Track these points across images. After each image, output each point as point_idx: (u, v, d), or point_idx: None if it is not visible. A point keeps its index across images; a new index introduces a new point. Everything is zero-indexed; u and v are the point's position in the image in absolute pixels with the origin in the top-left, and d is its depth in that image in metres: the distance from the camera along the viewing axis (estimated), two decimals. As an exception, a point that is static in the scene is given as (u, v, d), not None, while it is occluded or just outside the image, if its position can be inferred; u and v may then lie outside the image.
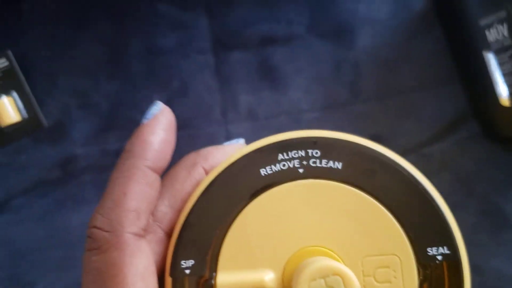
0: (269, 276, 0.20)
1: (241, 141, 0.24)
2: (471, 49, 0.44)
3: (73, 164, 0.50)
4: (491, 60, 0.42)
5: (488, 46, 0.42)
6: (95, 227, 0.19)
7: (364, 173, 0.20)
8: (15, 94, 0.50)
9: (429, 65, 0.49)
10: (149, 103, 0.22)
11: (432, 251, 0.19)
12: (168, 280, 0.20)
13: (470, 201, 0.45)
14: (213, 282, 0.20)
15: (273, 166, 0.20)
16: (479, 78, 0.44)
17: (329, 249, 0.20)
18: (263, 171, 0.20)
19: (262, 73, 0.51)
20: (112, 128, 0.50)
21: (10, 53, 0.50)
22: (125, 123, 0.50)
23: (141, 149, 0.20)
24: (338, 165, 0.20)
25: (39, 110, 0.50)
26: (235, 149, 0.22)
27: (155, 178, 0.20)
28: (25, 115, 0.50)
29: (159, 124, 0.21)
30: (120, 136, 0.50)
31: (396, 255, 0.19)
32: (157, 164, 0.21)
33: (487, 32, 0.42)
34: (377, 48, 0.50)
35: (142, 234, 0.20)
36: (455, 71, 0.48)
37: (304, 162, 0.20)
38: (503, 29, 0.40)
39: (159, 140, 0.21)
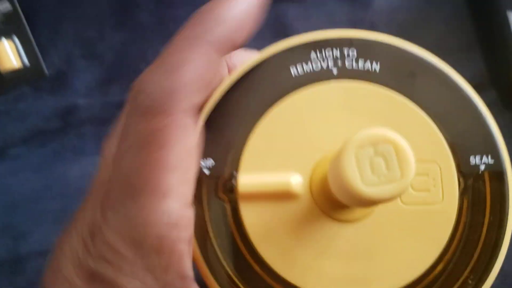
0: (295, 179, 0.18)
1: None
2: (494, 9, 0.42)
3: (74, 115, 0.48)
4: (515, 21, 0.41)
5: (512, 5, 0.41)
6: (143, 91, 0.16)
7: (404, 76, 0.18)
8: (16, 39, 0.48)
9: (448, 31, 0.47)
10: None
11: (475, 160, 0.18)
12: None
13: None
14: (234, 182, 0.18)
15: (304, 66, 0.19)
16: (500, 42, 0.42)
17: None
18: (293, 71, 0.19)
19: (274, 30, 0.49)
20: (116, 80, 0.49)
21: (13, -5, 0.48)
22: (130, 75, 0.48)
23: (210, 24, 0.17)
24: (376, 66, 0.18)
25: (40, 58, 0.48)
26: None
27: (219, 62, 0.18)
28: (26, 62, 0.48)
29: None
30: (124, 88, 0.48)
31: (436, 162, 0.18)
32: (227, 44, 0.17)
33: (512, -10, 0.41)
34: (395, 10, 0.48)
35: (195, 112, 0.17)
36: (474, 37, 0.46)
37: (339, 63, 0.19)
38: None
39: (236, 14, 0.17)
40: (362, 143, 0.14)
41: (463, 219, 0.18)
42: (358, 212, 0.18)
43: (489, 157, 0.18)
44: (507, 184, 0.18)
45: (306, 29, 0.50)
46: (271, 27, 0.49)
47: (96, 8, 0.49)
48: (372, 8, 0.48)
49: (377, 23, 0.48)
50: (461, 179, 0.18)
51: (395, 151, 0.14)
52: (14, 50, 0.48)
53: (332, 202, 0.18)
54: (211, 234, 0.18)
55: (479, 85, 0.46)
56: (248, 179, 0.18)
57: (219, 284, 0.18)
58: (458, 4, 0.47)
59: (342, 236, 0.18)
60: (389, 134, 0.14)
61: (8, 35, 0.48)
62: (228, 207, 0.18)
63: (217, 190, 0.18)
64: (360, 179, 0.14)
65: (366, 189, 0.14)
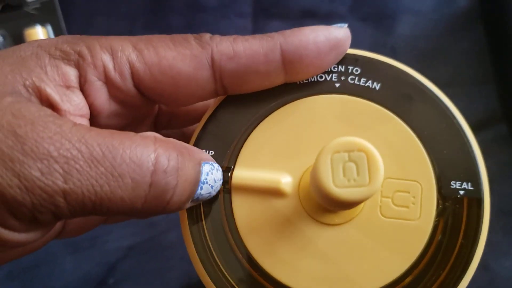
0: (286, 179, 0.19)
1: (345, 25, 0.20)
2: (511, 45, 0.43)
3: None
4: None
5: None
6: None
7: (400, 98, 0.20)
8: (50, 28, 0.50)
9: (465, 63, 0.48)
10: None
11: (455, 184, 0.19)
12: None
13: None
14: (229, 174, 0.20)
15: (307, 78, 0.20)
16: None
17: None
18: (298, 81, 0.20)
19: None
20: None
21: (52, -15, 0.50)
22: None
23: None
24: (376, 85, 0.20)
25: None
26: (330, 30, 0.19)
27: None
28: (57, 48, 0.50)
29: None
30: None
31: (418, 182, 0.19)
32: None
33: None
34: (416, 38, 0.50)
35: None
36: (490, 71, 0.47)
37: (342, 78, 0.20)
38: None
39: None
40: (338, 148, 0.15)
41: (436, 237, 0.19)
42: (340, 217, 0.19)
43: (469, 184, 0.19)
44: (483, 212, 0.19)
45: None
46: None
47: (130, 6, 0.51)
48: (394, 34, 0.50)
49: (398, 49, 0.50)
50: (440, 200, 0.19)
51: (367, 159, 0.15)
52: (47, 37, 0.50)
53: (317, 204, 0.19)
54: (203, 218, 0.20)
55: (490, 118, 0.47)
56: (242, 173, 0.20)
57: (202, 262, 0.19)
58: (478, 38, 0.48)
59: (322, 237, 0.19)
60: (364, 143, 0.15)
61: (42, 23, 0.50)
62: (221, 197, 0.20)
63: None
64: (332, 180, 0.15)
65: (336, 190, 0.15)
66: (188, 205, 0.18)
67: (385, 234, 0.19)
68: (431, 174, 0.19)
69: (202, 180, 0.18)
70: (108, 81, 0.19)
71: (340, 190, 0.15)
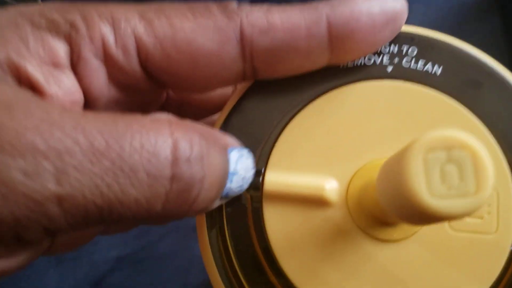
0: (331, 185, 0.16)
1: None
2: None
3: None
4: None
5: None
6: None
7: (467, 84, 0.16)
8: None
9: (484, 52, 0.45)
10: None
11: None
12: None
13: None
14: (260, 179, 0.16)
15: (355, 59, 0.16)
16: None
17: None
18: (342, 63, 0.16)
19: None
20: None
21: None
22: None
23: None
24: (437, 69, 0.16)
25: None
26: None
27: None
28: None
29: None
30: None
31: (493, 187, 0.15)
32: None
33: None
34: (426, 27, 0.46)
35: None
36: (506, 65, 0.44)
37: (396, 60, 0.16)
38: None
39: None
40: (433, 145, 0.11)
41: None
42: (400, 231, 0.15)
43: None
44: None
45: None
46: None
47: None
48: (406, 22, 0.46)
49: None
50: None
51: (472, 159, 0.11)
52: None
53: (371, 216, 0.15)
54: (227, 236, 0.16)
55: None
56: (276, 177, 0.16)
57: None
58: (493, 30, 0.45)
59: (378, 256, 0.15)
60: (468, 138, 0.12)
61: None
62: (249, 207, 0.16)
63: None
64: (427, 189, 0.11)
65: (433, 202, 0.11)
66: (217, 203, 0.15)
67: (455, 252, 0.15)
68: (508, 178, 0.16)
69: (231, 170, 0.14)
70: (107, 59, 0.15)
71: (438, 202, 0.11)
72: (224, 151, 0.14)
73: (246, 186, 0.15)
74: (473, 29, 0.45)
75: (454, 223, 0.15)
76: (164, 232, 0.42)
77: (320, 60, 0.15)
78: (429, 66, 0.16)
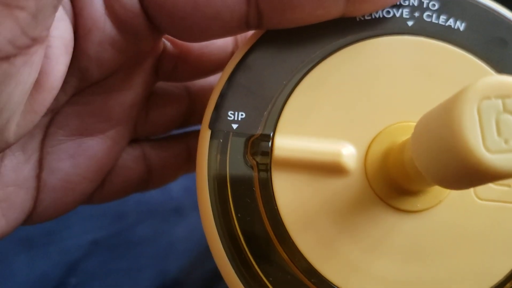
0: (348, 150, 0.14)
1: None
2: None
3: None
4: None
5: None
6: None
7: (492, 42, 0.15)
8: None
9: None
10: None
11: None
12: (206, 134, 0.14)
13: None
14: (268, 144, 0.14)
15: (374, 10, 0.15)
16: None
17: None
18: (358, 16, 0.15)
19: None
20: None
21: None
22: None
23: None
24: (460, 25, 0.15)
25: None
26: None
27: None
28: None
29: None
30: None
31: None
32: None
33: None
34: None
35: None
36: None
37: (416, 14, 0.15)
38: None
39: None
40: (488, 93, 0.10)
41: None
42: (423, 201, 0.14)
43: None
44: None
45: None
46: None
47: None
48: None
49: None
50: None
51: None
52: None
53: (393, 185, 0.14)
54: (232, 207, 0.14)
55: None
56: (287, 142, 0.14)
57: (237, 273, 0.14)
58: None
59: (400, 229, 0.14)
60: None
61: None
62: (256, 175, 0.14)
63: (245, 151, 0.14)
64: (482, 143, 0.10)
65: (490, 157, 0.10)
66: None
67: (482, 222, 0.14)
68: None
69: None
70: None
71: (495, 157, 0.10)
72: None
73: None
74: None
75: (481, 192, 0.14)
76: (141, 216, 0.40)
77: (335, 8, 0.14)
78: (451, 21, 0.15)
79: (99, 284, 0.37)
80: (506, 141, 0.10)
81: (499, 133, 0.10)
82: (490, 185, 0.14)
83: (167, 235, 0.38)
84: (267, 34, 0.15)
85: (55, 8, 0.11)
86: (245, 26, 0.14)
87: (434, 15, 0.15)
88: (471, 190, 0.14)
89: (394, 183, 0.14)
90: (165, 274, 0.37)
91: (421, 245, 0.14)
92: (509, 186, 0.14)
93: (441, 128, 0.10)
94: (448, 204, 0.14)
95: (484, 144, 0.10)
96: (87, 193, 0.18)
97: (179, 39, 0.15)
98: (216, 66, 0.18)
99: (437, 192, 0.14)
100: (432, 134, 0.11)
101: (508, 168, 0.10)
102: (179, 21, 0.14)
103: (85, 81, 0.15)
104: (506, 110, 0.10)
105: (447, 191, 0.14)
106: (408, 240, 0.14)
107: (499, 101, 0.10)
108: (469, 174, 0.10)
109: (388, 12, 0.15)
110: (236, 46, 0.18)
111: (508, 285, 0.14)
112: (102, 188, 0.19)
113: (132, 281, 0.37)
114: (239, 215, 0.14)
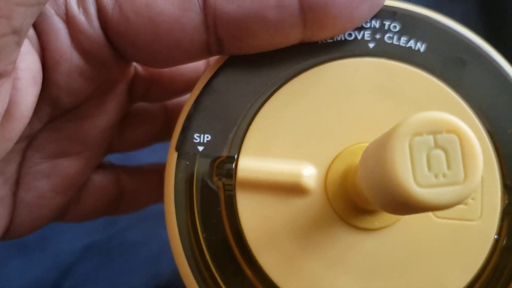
0: (308, 171, 0.15)
1: None
2: (508, 15, 0.40)
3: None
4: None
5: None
6: None
7: (451, 62, 0.15)
8: None
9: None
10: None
11: None
12: (173, 156, 0.15)
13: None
14: (233, 166, 0.15)
15: (332, 36, 0.15)
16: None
17: None
18: (320, 40, 0.15)
19: None
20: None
21: None
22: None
23: None
24: (421, 46, 0.15)
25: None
26: None
27: None
28: None
29: None
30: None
31: None
32: None
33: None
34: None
35: None
36: (486, 40, 0.44)
37: (377, 36, 0.15)
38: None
39: None
40: (419, 129, 0.10)
41: (502, 242, 0.15)
42: (381, 220, 0.14)
43: None
44: None
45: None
46: None
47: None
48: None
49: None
50: (505, 195, 0.15)
51: (460, 144, 0.10)
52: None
53: (351, 204, 0.14)
54: (198, 227, 0.14)
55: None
56: (250, 163, 0.15)
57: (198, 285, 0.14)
58: (469, 11, 0.45)
59: (360, 246, 0.14)
60: (456, 121, 0.11)
61: None
62: (222, 196, 0.15)
63: (211, 173, 0.15)
64: (413, 177, 0.10)
65: (419, 191, 0.10)
66: None
67: (439, 239, 0.14)
68: (493, 161, 0.15)
69: None
70: (69, 19, 0.14)
71: (424, 191, 0.10)
72: None
73: None
74: (449, 10, 0.45)
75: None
76: (133, 220, 0.40)
77: (293, 35, 0.14)
78: (412, 43, 0.15)
79: (93, 287, 0.37)
80: (436, 176, 0.10)
81: (429, 168, 0.10)
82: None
83: (159, 238, 0.39)
84: (232, 58, 0.15)
85: (18, 44, 0.12)
86: (207, 52, 0.15)
87: (395, 37, 0.15)
88: None
89: (352, 203, 0.14)
90: (158, 277, 0.38)
91: (380, 262, 0.14)
92: (465, 204, 0.15)
93: (377, 162, 0.11)
94: (406, 222, 0.15)
95: (415, 179, 0.10)
96: (60, 208, 0.18)
97: (146, 65, 0.16)
98: (188, 86, 0.19)
99: None
100: (372, 165, 0.11)
101: (438, 201, 0.10)
102: (142, 50, 0.14)
103: (58, 109, 0.16)
104: (437, 145, 0.10)
105: None
106: (367, 258, 0.14)
107: (431, 137, 0.10)
108: (403, 205, 0.11)
109: (350, 35, 0.15)
110: (207, 65, 0.19)
111: None
112: (75, 207, 0.19)
113: (125, 285, 0.38)
114: (205, 235, 0.14)
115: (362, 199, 0.14)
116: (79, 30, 0.14)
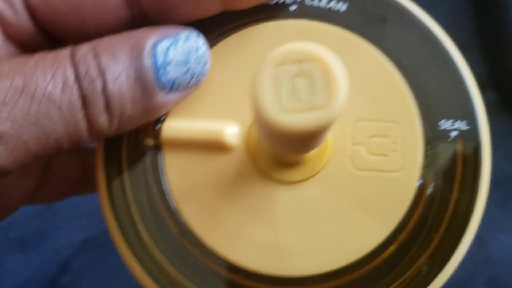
0: (231, 129, 0.15)
1: None
2: (496, 4, 0.39)
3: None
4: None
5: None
6: None
7: (372, 20, 0.16)
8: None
9: (448, 28, 0.45)
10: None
11: (446, 124, 0.15)
12: None
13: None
14: (158, 127, 0.15)
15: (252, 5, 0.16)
16: (502, 39, 0.39)
17: None
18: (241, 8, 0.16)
19: None
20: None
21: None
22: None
23: None
24: (342, 6, 0.16)
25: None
26: None
27: None
28: None
29: None
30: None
31: (398, 122, 0.15)
32: None
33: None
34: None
35: None
36: (473, 34, 0.43)
37: None
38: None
39: None
40: (282, 59, 0.11)
41: (424, 193, 0.15)
42: (301, 172, 0.15)
43: (464, 122, 0.15)
44: (482, 157, 0.15)
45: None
46: None
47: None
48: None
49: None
50: (427, 145, 0.15)
51: (322, 71, 0.11)
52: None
53: (271, 158, 0.15)
54: (127, 184, 0.15)
55: (477, 85, 0.43)
56: (175, 124, 0.15)
57: (128, 243, 0.15)
58: (459, 3, 0.45)
59: (279, 199, 0.15)
60: (319, 50, 0.11)
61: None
62: (148, 155, 0.15)
63: (138, 134, 0.15)
64: (276, 104, 0.11)
65: (281, 117, 0.11)
66: (165, 98, 0.14)
67: (360, 192, 0.15)
68: (414, 112, 0.15)
69: (159, 63, 0.14)
70: None
71: (287, 116, 0.11)
72: (135, 53, 0.14)
73: (199, 68, 0.15)
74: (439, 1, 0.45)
75: (357, 162, 0.15)
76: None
77: (213, 6, 0.15)
78: (333, 3, 0.16)
79: (91, 280, 0.38)
80: (298, 102, 0.11)
81: (292, 95, 0.11)
82: (367, 155, 0.15)
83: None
84: None
85: None
86: (135, 25, 0.15)
87: None
88: (348, 160, 0.15)
89: (271, 157, 0.15)
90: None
91: (299, 214, 0.15)
92: (386, 155, 0.15)
93: (251, 95, 0.11)
94: (326, 174, 0.15)
95: (279, 106, 0.11)
96: (27, 192, 0.19)
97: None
98: None
99: (314, 163, 0.15)
100: (250, 99, 0.12)
101: (301, 126, 0.11)
102: (73, 33, 0.15)
103: None
104: (301, 74, 0.11)
105: (324, 162, 0.15)
106: (286, 209, 0.15)
107: (295, 66, 0.11)
108: (273, 132, 0.11)
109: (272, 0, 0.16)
110: None
111: (384, 251, 0.14)
112: (43, 189, 0.20)
113: (123, 278, 0.38)
114: (132, 192, 0.15)
115: (276, 151, 0.14)
116: (9, 24, 0.15)
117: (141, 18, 0.15)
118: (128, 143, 0.15)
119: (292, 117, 0.11)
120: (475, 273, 0.38)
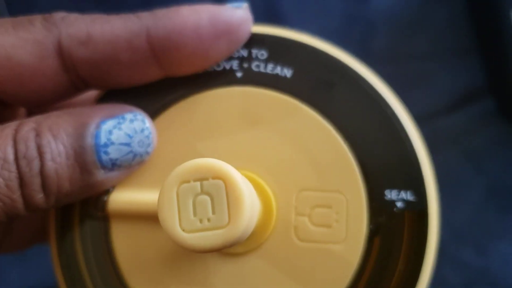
0: None
1: (243, 5, 0.16)
2: (495, 10, 0.38)
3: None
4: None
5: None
6: None
7: (318, 85, 0.15)
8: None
9: (446, 33, 0.44)
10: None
11: (391, 194, 0.15)
12: None
13: (478, 179, 0.40)
14: (105, 198, 0.16)
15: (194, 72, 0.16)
16: (501, 45, 0.38)
17: (257, 176, 0.15)
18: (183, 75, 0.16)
19: (267, 19, 0.46)
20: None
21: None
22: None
23: None
24: (287, 72, 0.15)
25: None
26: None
27: None
28: None
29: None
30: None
31: (342, 193, 0.15)
32: None
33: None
34: (392, 7, 0.45)
35: None
36: (472, 40, 0.42)
37: (245, 65, 0.16)
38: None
39: None
40: (186, 176, 0.11)
41: (368, 265, 0.15)
42: (244, 245, 0.15)
43: (410, 193, 0.15)
44: (429, 229, 0.15)
45: (299, 22, 0.46)
46: (263, 16, 0.46)
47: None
48: (369, 2, 0.45)
49: (373, 20, 0.45)
50: (371, 217, 0.15)
51: (226, 189, 0.11)
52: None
53: None
54: (80, 256, 0.16)
55: (476, 92, 0.42)
56: (121, 195, 0.16)
57: None
58: (459, 5, 0.43)
59: (221, 271, 0.15)
60: (221, 166, 0.11)
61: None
62: (99, 226, 0.16)
63: (88, 204, 0.16)
64: (179, 223, 0.11)
65: (184, 236, 0.11)
66: (104, 176, 0.15)
67: (302, 264, 0.15)
68: (358, 182, 0.15)
69: (102, 143, 0.14)
70: None
71: (188, 236, 0.11)
72: (78, 132, 0.14)
73: (141, 149, 0.15)
74: (440, 5, 0.44)
75: (301, 233, 0.15)
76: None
77: (152, 73, 0.15)
78: (278, 69, 0.16)
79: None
80: (201, 221, 0.11)
81: (195, 213, 0.11)
82: (310, 226, 0.15)
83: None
84: (109, 92, 0.16)
85: None
86: (76, 90, 0.16)
87: (262, 65, 0.16)
88: (292, 230, 0.15)
89: None
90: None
91: (244, 286, 0.15)
92: (329, 227, 0.15)
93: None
94: (269, 246, 0.15)
95: (181, 225, 0.11)
96: None
97: (24, 107, 0.17)
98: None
99: (258, 235, 0.15)
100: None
101: (202, 245, 0.11)
102: (13, 96, 0.15)
103: None
104: (203, 191, 0.11)
105: (268, 233, 0.15)
106: (231, 282, 0.15)
107: (197, 184, 0.11)
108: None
109: (219, 66, 0.16)
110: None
111: None
112: (8, 239, 0.21)
113: None
114: (86, 261, 0.16)
115: None
116: None
117: (81, 83, 0.15)
118: (80, 212, 0.16)
119: (194, 236, 0.11)
120: (475, 281, 0.37)
